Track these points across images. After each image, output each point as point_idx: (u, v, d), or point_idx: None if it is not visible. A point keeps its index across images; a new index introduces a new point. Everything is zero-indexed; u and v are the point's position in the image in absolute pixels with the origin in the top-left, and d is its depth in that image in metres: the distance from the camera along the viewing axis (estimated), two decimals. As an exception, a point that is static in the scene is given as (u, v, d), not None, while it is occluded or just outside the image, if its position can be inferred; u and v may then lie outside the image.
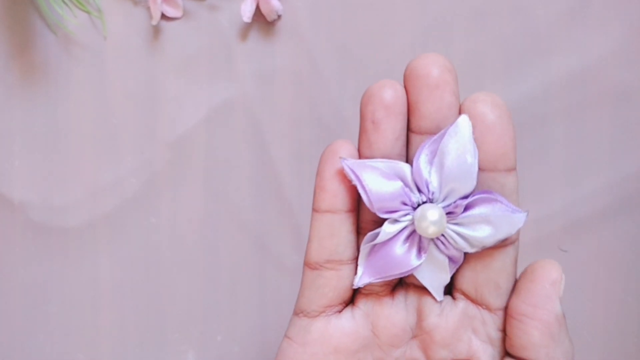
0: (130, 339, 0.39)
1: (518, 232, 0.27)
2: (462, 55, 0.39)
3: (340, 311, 0.28)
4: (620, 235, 0.39)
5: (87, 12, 0.38)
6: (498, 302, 0.27)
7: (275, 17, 0.38)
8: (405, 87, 0.26)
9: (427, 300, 0.28)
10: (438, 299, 0.28)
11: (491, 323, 0.27)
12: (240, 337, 0.39)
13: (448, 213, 0.26)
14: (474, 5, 0.39)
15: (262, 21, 0.38)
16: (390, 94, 0.26)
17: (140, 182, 0.39)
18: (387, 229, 0.26)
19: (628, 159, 0.39)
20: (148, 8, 0.38)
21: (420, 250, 0.27)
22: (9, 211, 0.39)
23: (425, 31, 0.39)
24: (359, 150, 0.27)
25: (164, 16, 0.38)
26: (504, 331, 0.27)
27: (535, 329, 0.26)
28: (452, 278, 0.28)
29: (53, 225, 0.39)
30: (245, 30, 0.39)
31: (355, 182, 0.26)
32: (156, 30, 0.38)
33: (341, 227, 0.27)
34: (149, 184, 0.39)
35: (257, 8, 0.38)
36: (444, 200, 0.26)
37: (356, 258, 0.28)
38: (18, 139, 0.39)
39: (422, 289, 0.28)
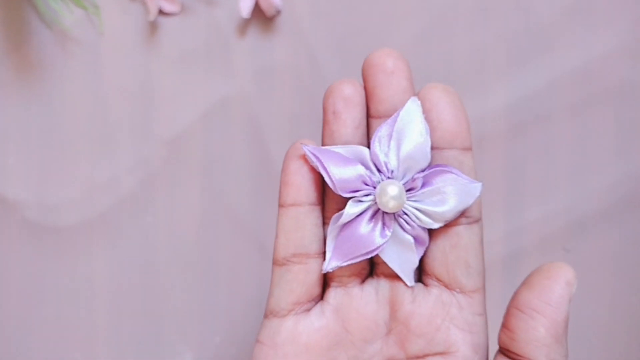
0: (127, 340, 0.39)
1: (480, 211, 0.28)
2: (465, 52, 0.38)
3: (309, 309, 0.28)
4: (625, 235, 0.39)
5: (84, 8, 0.38)
6: (471, 283, 0.28)
7: (274, 12, 0.38)
8: (363, 78, 0.28)
9: (399, 289, 0.28)
10: (409, 284, 0.28)
11: (468, 307, 0.28)
12: (239, 338, 0.39)
13: (408, 190, 0.27)
14: (477, 1, 0.38)
15: (261, 17, 0.38)
16: (349, 88, 0.28)
17: (136, 180, 0.39)
18: (350, 209, 0.27)
19: (633, 157, 0.39)
20: (145, 4, 0.38)
21: (384, 227, 0.28)
22: (3, 210, 0.38)
23: (427, 27, 0.38)
24: (322, 142, 0.28)
25: (161, 12, 0.38)
26: (505, 316, 0.27)
27: (542, 326, 0.26)
28: (422, 263, 0.28)
29: (48, 224, 0.38)
30: (243, 26, 0.38)
31: (317, 165, 0.27)
32: (153, 26, 0.38)
33: (306, 219, 0.28)
34: (145, 182, 0.38)
35: (256, 4, 0.38)
36: (402, 178, 0.27)
37: (323, 252, 0.28)
38: (13, 137, 0.38)
39: (393, 278, 0.28)
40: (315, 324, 0.28)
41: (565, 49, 0.38)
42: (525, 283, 0.27)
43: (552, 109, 0.39)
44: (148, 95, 0.38)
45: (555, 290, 0.26)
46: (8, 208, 0.38)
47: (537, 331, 0.26)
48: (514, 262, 0.39)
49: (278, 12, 0.38)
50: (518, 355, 0.26)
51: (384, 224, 0.28)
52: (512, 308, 0.27)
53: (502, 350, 0.27)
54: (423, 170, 0.27)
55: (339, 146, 0.27)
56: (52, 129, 0.38)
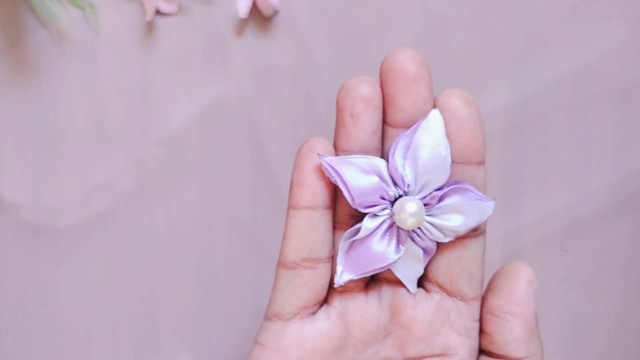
0: (124, 341, 0.39)
1: (486, 222, 0.28)
2: (463, 52, 0.38)
3: (314, 312, 0.28)
4: (623, 235, 0.39)
5: (80, 8, 0.38)
6: (472, 291, 0.28)
7: (272, 12, 0.37)
8: (381, 80, 0.27)
9: (401, 294, 0.28)
10: (412, 291, 0.28)
11: (467, 314, 0.28)
12: (236, 339, 0.39)
13: (424, 205, 0.27)
14: (475, 1, 0.38)
15: (259, 17, 0.38)
16: (368, 88, 0.27)
17: (133, 181, 0.38)
18: (368, 224, 0.27)
19: (631, 157, 0.39)
20: (142, 4, 0.38)
21: (398, 243, 0.27)
22: (0, 211, 0.38)
23: (425, 27, 0.38)
24: (335, 144, 0.27)
25: (158, 12, 0.38)
26: (480, 322, 0.28)
27: (517, 326, 0.27)
28: (425, 270, 0.28)
29: (45, 226, 0.38)
30: (241, 26, 0.38)
31: (335, 178, 0.26)
32: (150, 26, 0.38)
33: (320, 223, 0.27)
34: (142, 183, 0.38)
35: (254, 3, 0.37)
36: (419, 192, 0.27)
37: (332, 256, 0.28)
38: (9, 138, 0.38)
39: (395, 283, 0.28)
40: (321, 329, 0.28)
41: (564, 49, 0.38)
42: (490, 288, 0.28)
43: (551, 109, 0.39)
44: (145, 96, 0.38)
45: (520, 291, 0.28)
46: (4, 209, 0.38)
47: (513, 332, 0.27)
48: (512, 262, 0.39)
49: (276, 12, 0.38)
50: (500, 355, 0.28)
51: (398, 239, 0.27)
52: (485, 314, 0.28)
53: (485, 352, 0.28)
54: (441, 187, 0.27)
55: (355, 156, 0.27)
56: (48, 129, 0.38)
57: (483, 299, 0.28)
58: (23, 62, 0.38)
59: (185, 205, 0.39)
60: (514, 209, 0.39)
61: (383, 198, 0.27)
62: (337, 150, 0.27)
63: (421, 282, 0.29)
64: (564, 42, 0.38)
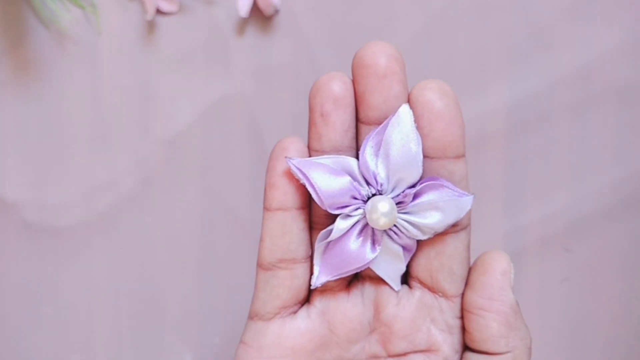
0: (126, 340, 0.39)
1: (469, 218, 0.28)
2: (465, 51, 0.38)
3: (295, 312, 0.28)
4: (625, 235, 0.39)
5: (81, 7, 0.38)
6: (453, 288, 0.28)
7: (273, 12, 0.37)
8: (353, 77, 0.26)
9: (384, 291, 0.28)
10: (396, 288, 0.28)
11: (449, 310, 0.28)
12: (238, 338, 0.39)
13: (398, 203, 0.26)
14: (477, 0, 0.38)
15: (260, 16, 0.38)
16: (339, 85, 0.26)
17: (135, 180, 0.38)
18: (340, 225, 0.27)
19: (633, 156, 0.39)
20: (143, 3, 0.38)
21: (374, 242, 0.27)
22: (2, 210, 0.38)
23: (426, 27, 0.38)
24: (308, 144, 0.27)
25: (159, 11, 0.38)
26: (462, 319, 0.28)
27: (493, 321, 0.27)
28: (408, 266, 0.28)
29: (47, 225, 0.38)
30: (242, 25, 0.38)
31: (304, 180, 0.26)
32: (151, 26, 0.38)
33: (293, 224, 0.27)
34: (144, 182, 0.38)
35: (254, 3, 0.37)
36: (392, 190, 0.26)
37: (310, 256, 0.28)
38: (11, 137, 0.38)
39: (379, 281, 0.28)
40: (301, 328, 0.28)
41: (565, 48, 0.38)
42: (467, 283, 0.28)
43: (552, 108, 0.38)
44: (146, 95, 0.38)
45: (494, 285, 0.27)
46: (6, 209, 0.38)
47: (490, 328, 0.27)
48: (514, 261, 0.39)
49: (276, 11, 0.37)
50: (482, 351, 0.27)
51: (373, 238, 0.27)
52: (463, 311, 0.28)
53: (468, 349, 0.28)
54: (414, 185, 0.27)
55: (325, 157, 0.26)
56: (50, 129, 0.38)
57: (462, 295, 0.28)
58: (24, 62, 0.38)
59: (187, 205, 0.39)
60: (515, 208, 0.39)
61: (355, 198, 0.26)
62: (310, 150, 0.27)
63: (405, 279, 0.29)
64: (565, 42, 0.38)
